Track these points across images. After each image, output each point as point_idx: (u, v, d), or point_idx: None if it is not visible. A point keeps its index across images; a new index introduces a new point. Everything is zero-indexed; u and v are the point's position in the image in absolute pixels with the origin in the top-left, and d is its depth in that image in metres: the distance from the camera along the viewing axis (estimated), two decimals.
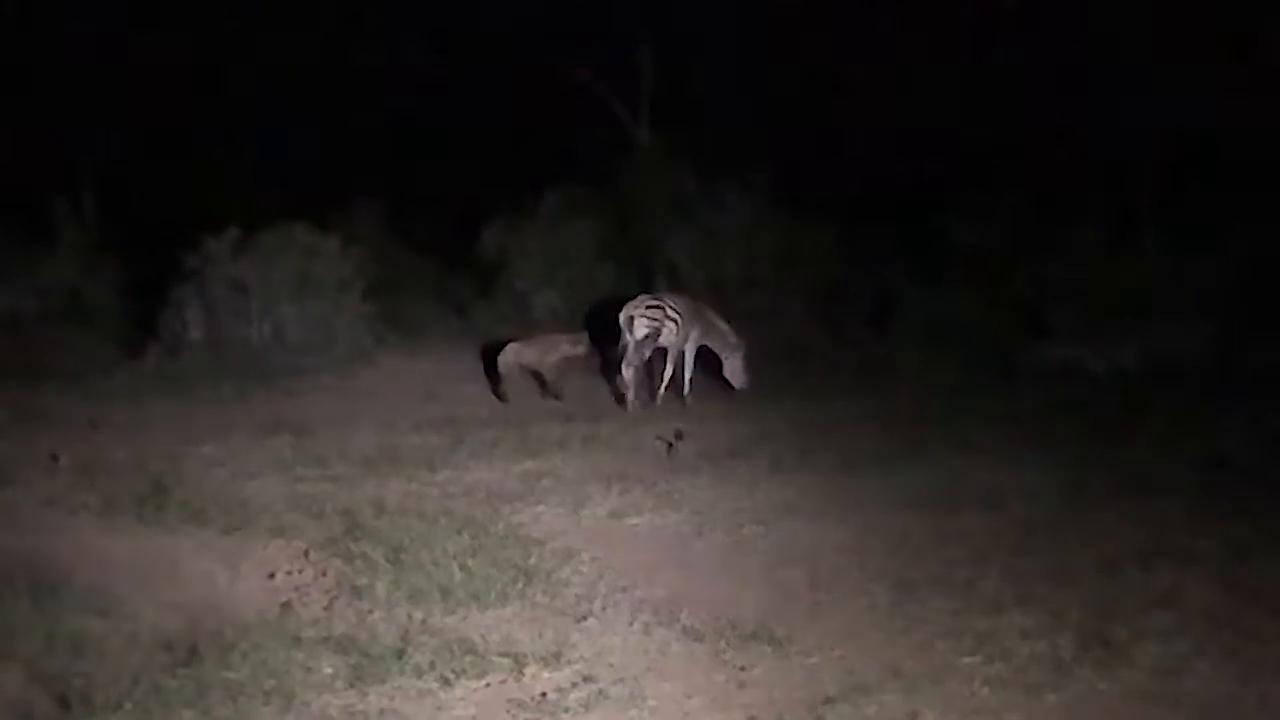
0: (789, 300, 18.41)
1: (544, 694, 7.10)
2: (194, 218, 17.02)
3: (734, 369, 15.43)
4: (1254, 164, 18.10)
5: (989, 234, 18.69)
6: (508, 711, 6.96)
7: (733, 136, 22.12)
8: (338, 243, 16.91)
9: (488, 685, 7.19)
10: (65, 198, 19.53)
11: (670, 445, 12.61)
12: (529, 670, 7.31)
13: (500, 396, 15.11)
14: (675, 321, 15.04)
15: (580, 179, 20.29)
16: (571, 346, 15.55)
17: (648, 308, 15.04)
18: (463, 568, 8.84)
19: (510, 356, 15.26)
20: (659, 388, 15.19)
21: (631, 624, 8.12)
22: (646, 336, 14.93)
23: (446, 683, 7.15)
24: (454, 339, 17.98)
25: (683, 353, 15.26)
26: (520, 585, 8.62)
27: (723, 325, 15.48)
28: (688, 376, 15.31)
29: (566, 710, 6.96)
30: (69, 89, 22.43)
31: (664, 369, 15.24)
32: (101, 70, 22.49)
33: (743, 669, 7.46)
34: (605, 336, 15.60)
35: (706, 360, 15.52)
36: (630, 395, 14.89)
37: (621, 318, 15.06)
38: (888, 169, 22.37)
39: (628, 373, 14.92)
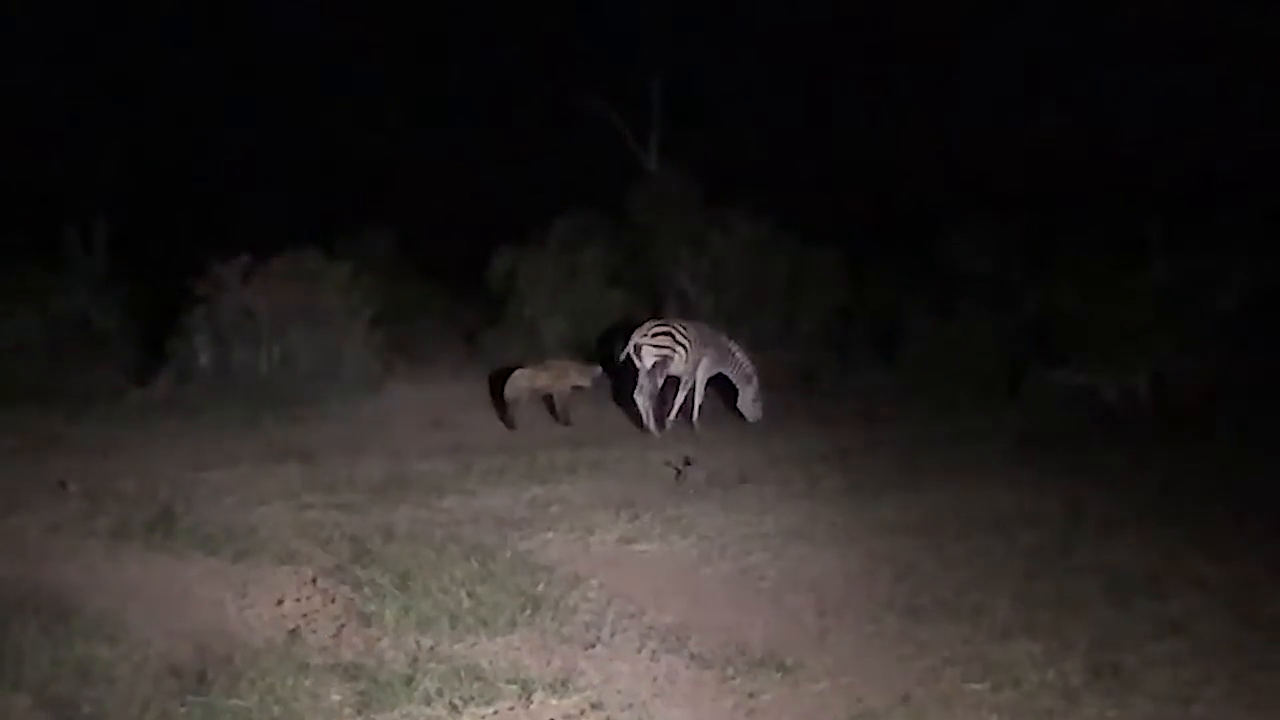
0: (797, 326, 18.43)
1: None
2: (203, 244, 17.06)
3: (746, 400, 15.42)
4: (1262, 189, 18.16)
5: (997, 259, 18.71)
6: None
7: (741, 163, 22.21)
8: (346, 270, 16.96)
9: (496, 712, 7.17)
10: (75, 224, 19.58)
11: (679, 471, 12.61)
12: (537, 697, 7.30)
13: (508, 423, 15.12)
14: (684, 348, 15.01)
15: (589, 206, 20.32)
16: (579, 375, 15.55)
17: (654, 335, 15.03)
18: (471, 595, 8.84)
19: (520, 382, 15.26)
20: (669, 414, 15.19)
21: (640, 651, 8.10)
22: (655, 364, 14.92)
23: (455, 710, 7.14)
24: (462, 366, 17.99)
25: (694, 379, 15.26)
26: (528, 612, 8.61)
27: (739, 354, 15.46)
28: (697, 403, 15.31)
29: None
30: (77, 115, 22.55)
31: (674, 395, 15.25)
32: (110, 96, 22.62)
33: (751, 696, 7.44)
34: (616, 364, 15.64)
35: (719, 387, 15.53)
36: (649, 422, 14.88)
37: (629, 346, 15.06)
38: (896, 195, 22.48)
39: (641, 401, 14.90)
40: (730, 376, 15.45)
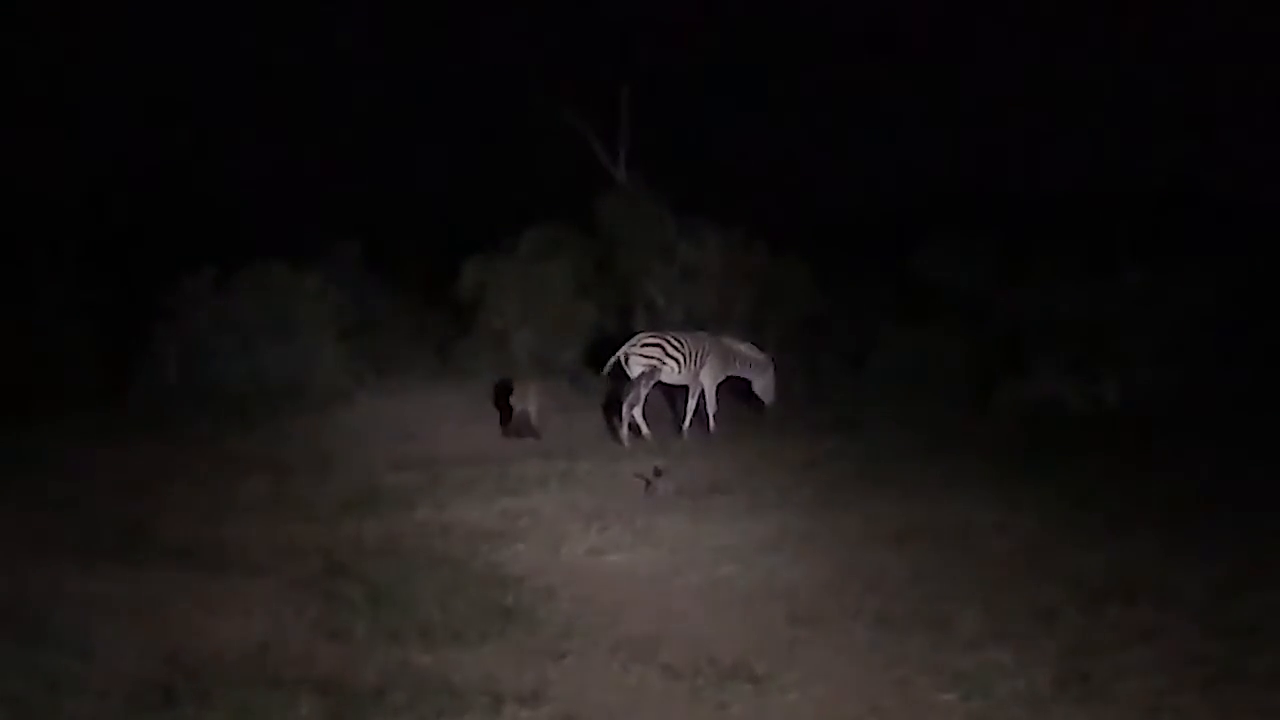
0: (767, 337, 18.43)
1: None
2: (172, 257, 17.01)
3: (765, 386, 15.83)
4: (1229, 200, 18.27)
5: (968, 269, 18.75)
6: None
7: (711, 174, 22.22)
8: (315, 282, 16.90)
9: None
10: (43, 237, 19.46)
11: (649, 482, 12.61)
12: (508, 709, 7.29)
13: (533, 434, 15.07)
14: (678, 360, 15.16)
15: (559, 216, 20.27)
16: (542, 393, 15.53)
17: (644, 346, 15.20)
18: (442, 607, 8.84)
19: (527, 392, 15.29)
20: (709, 421, 15.49)
21: (610, 662, 8.11)
22: (642, 375, 15.02)
23: None
24: (432, 378, 17.94)
25: (701, 387, 15.45)
26: (499, 624, 8.62)
27: (745, 349, 15.71)
28: (690, 410, 15.40)
29: None
30: (49, 128, 22.46)
31: (684, 404, 15.50)
32: (77, 109, 22.54)
33: (722, 706, 7.45)
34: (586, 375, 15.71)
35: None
36: (623, 432, 14.91)
37: (619, 356, 15.19)
38: (866, 205, 22.55)
39: (625, 411, 14.96)
40: (746, 376, 15.77)
